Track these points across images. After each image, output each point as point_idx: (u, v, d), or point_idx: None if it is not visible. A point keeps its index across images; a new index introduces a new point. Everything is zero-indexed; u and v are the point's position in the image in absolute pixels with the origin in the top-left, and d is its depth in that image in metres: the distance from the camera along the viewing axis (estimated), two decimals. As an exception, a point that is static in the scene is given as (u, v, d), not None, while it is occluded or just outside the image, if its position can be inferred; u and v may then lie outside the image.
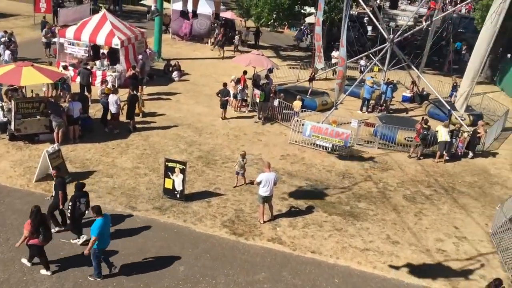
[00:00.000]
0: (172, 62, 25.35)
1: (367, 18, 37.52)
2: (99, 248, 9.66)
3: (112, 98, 17.03)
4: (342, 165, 16.99)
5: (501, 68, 31.27)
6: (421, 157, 18.19)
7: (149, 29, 29.61)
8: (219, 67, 27.63)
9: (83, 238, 10.92)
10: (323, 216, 13.47)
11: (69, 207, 10.58)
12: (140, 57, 22.19)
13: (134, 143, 16.71)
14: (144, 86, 21.49)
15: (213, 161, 16.07)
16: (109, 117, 17.36)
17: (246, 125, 19.75)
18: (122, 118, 17.56)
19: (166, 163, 13.17)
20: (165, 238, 11.59)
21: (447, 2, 36.24)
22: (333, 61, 27.55)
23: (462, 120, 20.89)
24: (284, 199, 14.18)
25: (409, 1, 50.48)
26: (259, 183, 12.52)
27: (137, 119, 18.25)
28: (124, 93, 20.34)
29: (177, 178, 13.11)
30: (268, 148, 17.71)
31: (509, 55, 31.70)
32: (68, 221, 11.08)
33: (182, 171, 13.06)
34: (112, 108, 17.04)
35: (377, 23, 23.58)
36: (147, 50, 24.45)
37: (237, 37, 31.53)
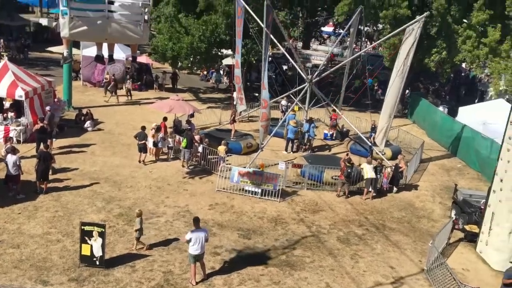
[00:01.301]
0: (84, 111, 23.74)
1: (282, 59, 38.40)
2: None
3: (10, 158, 15.09)
4: (274, 210, 16.40)
5: (410, 102, 33.05)
6: (349, 195, 18.15)
7: (57, 77, 27.91)
8: (136, 114, 26.35)
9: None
10: (259, 269, 12.65)
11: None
12: (48, 108, 20.45)
13: (44, 205, 14.96)
14: (54, 139, 19.72)
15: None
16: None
17: (170, 174, 18.65)
18: (25, 177, 15.72)
19: (82, 227, 11.75)
20: (84, 317, 10.10)
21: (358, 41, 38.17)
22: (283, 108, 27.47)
23: (382, 154, 21.40)
24: (216, 254, 13.19)
25: (319, 42, 52.89)
26: (188, 241, 11.50)
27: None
28: (31, 148, 18.61)
29: (96, 242, 11.72)
30: (195, 198, 16.72)
31: (407, 91, 33.42)
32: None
33: (101, 235, 11.70)
34: (12, 170, 15.13)
35: (295, 64, 23.87)
36: (56, 99, 22.72)
37: (129, 81, 29.98)
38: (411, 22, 19.60)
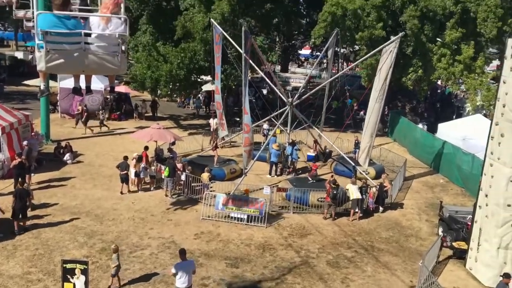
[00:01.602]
0: (63, 143, 23.27)
1: (261, 83, 38.60)
2: None
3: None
4: (261, 236, 16.12)
5: (390, 121, 33.38)
6: (335, 217, 18.00)
7: (35, 110, 27.47)
8: (117, 144, 25.97)
9: None
10: (249, 299, 12.33)
11: None
12: (25, 142, 19.99)
13: (23, 243, 14.41)
14: (32, 174, 19.23)
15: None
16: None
17: (153, 204, 18.27)
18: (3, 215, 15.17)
19: (64, 265, 11.28)
20: None
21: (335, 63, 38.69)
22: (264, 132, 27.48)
23: (366, 174, 21.42)
24: (204, 285, 12.83)
25: (298, 65, 53.52)
26: (174, 275, 11.15)
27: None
28: (9, 184, 18.09)
29: (78, 280, 11.24)
30: (180, 228, 16.35)
31: (386, 110, 33.79)
32: None
33: (84, 272, 11.24)
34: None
35: (275, 88, 23.94)
36: (33, 133, 22.27)
37: (101, 112, 29.39)
38: (387, 43, 19.94)
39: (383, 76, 19.75)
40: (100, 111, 29.42)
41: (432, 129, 29.32)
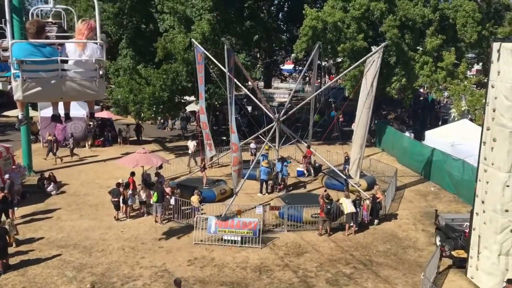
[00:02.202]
0: (46, 174, 22.57)
1: (245, 100, 38.41)
2: None
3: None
4: (256, 258, 15.65)
5: (377, 131, 33.31)
6: (331, 233, 17.62)
7: (16, 141, 26.80)
8: (102, 171, 25.34)
9: None
10: (249, 326, 11.82)
11: None
12: (6, 176, 19.33)
13: (9, 282, 13.76)
14: (16, 208, 18.54)
15: (110, 284, 13.72)
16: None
17: (143, 232, 17.70)
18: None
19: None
20: None
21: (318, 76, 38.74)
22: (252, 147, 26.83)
23: (358, 186, 21.16)
24: (201, 314, 12.30)
25: (280, 80, 53.55)
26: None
27: (10, 249, 15.25)
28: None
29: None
30: (172, 255, 15.80)
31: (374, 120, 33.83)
32: None
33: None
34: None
35: (260, 105, 23.68)
36: (15, 165, 21.60)
37: (71, 139, 28.49)
38: (370, 54, 19.88)
39: (369, 86, 19.63)
40: (70, 140, 28.49)
41: (419, 137, 29.32)
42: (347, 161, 24.71)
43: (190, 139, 27.09)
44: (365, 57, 20.04)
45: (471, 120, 27.65)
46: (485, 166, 13.62)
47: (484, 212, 13.63)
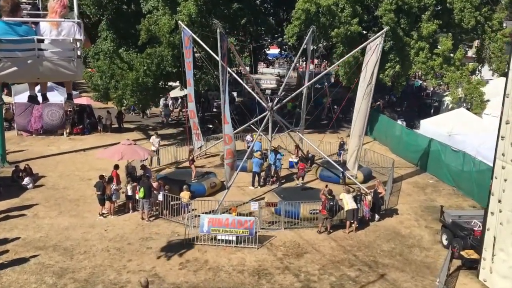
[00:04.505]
0: (22, 166, 20.92)
1: (230, 86, 36.90)
2: None
3: None
4: (253, 260, 14.50)
5: (369, 119, 32.28)
6: (331, 230, 16.58)
7: (-13, 129, 24.84)
8: (82, 163, 23.69)
9: None
10: None
11: None
12: (-23, 169, 17.71)
13: (-20, 292, 12.33)
14: (-13, 205, 16.99)
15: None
16: None
17: (129, 230, 16.34)
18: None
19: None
20: None
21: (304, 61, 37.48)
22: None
23: (354, 178, 20.18)
24: (198, 327, 11.13)
25: (266, 65, 52.08)
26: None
27: (-19, 253, 13.81)
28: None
29: None
30: (162, 257, 14.51)
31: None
32: None
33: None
34: None
35: (253, 93, 22.30)
36: (-13, 157, 19.94)
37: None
38: (371, 39, 18.71)
39: (369, 74, 18.51)
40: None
41: (410, 125, 28.50)
42: (341, 146, 23.78)
43: (154, 134, 24.30)
44: (366, 43, 18.86)
45: (467, 109, 26.88)
46: (503, 162, 12.66)
47: (500, 211, 12.72)
